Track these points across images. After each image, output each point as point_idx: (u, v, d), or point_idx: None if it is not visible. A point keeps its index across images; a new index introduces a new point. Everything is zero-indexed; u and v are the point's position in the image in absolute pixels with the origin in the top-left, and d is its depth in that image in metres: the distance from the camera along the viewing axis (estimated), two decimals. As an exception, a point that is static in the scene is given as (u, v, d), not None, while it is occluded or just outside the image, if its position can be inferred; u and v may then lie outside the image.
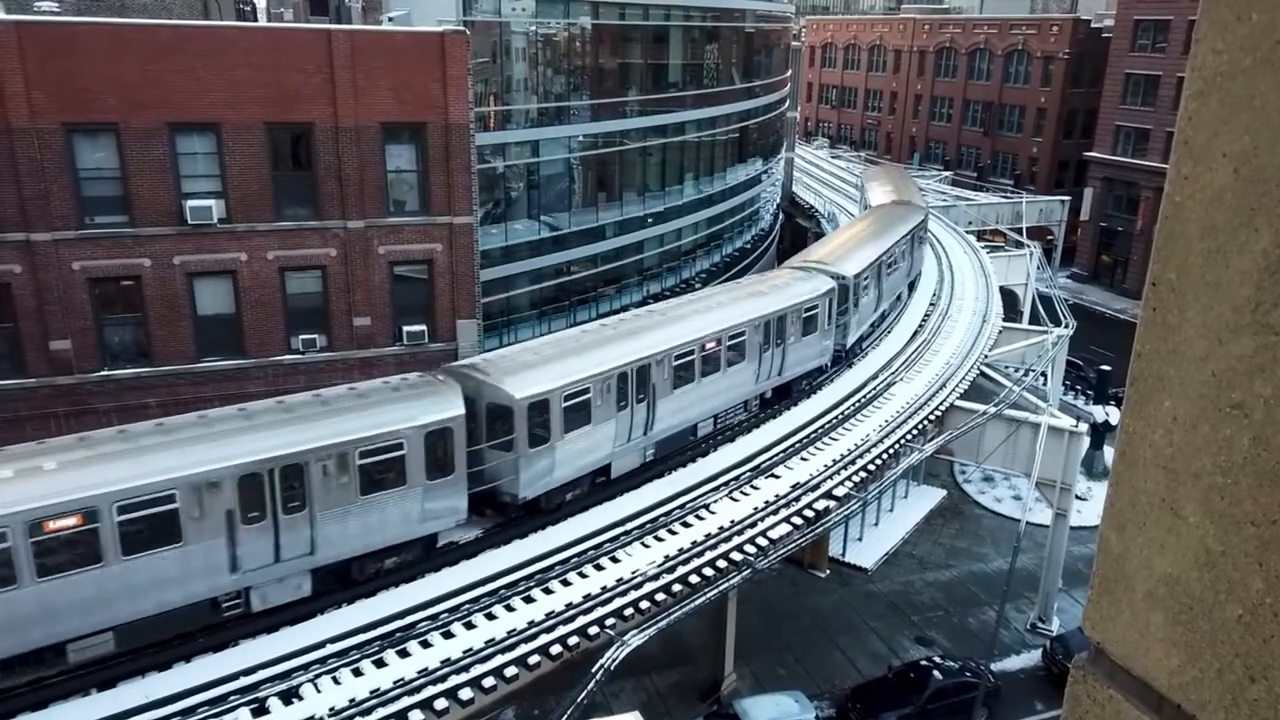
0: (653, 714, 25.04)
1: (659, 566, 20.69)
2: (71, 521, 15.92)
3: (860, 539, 35.05)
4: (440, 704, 16.68)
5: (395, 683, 16.81)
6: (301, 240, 26.82)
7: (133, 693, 16.14)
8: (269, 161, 26.03)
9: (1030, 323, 44.59)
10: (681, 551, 21.34)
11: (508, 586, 19.73)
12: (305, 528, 18.20)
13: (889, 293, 37.37)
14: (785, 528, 22.89)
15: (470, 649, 17.82)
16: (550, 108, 36.44)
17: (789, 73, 61.65)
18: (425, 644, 17.93)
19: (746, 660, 28.16)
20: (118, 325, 25.76)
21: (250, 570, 17.74)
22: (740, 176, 49.51)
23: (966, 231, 55.45)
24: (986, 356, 34.85)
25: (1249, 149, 1.39)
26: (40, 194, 23.79)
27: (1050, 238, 64.16)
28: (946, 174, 77.21)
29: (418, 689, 16.75)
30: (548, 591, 19.74)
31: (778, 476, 25.07)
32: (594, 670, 17.85)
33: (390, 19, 30.51)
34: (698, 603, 20.43)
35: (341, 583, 19.15)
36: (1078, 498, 32.74)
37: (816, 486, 24.59)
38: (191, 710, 15.83)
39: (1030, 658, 30.03)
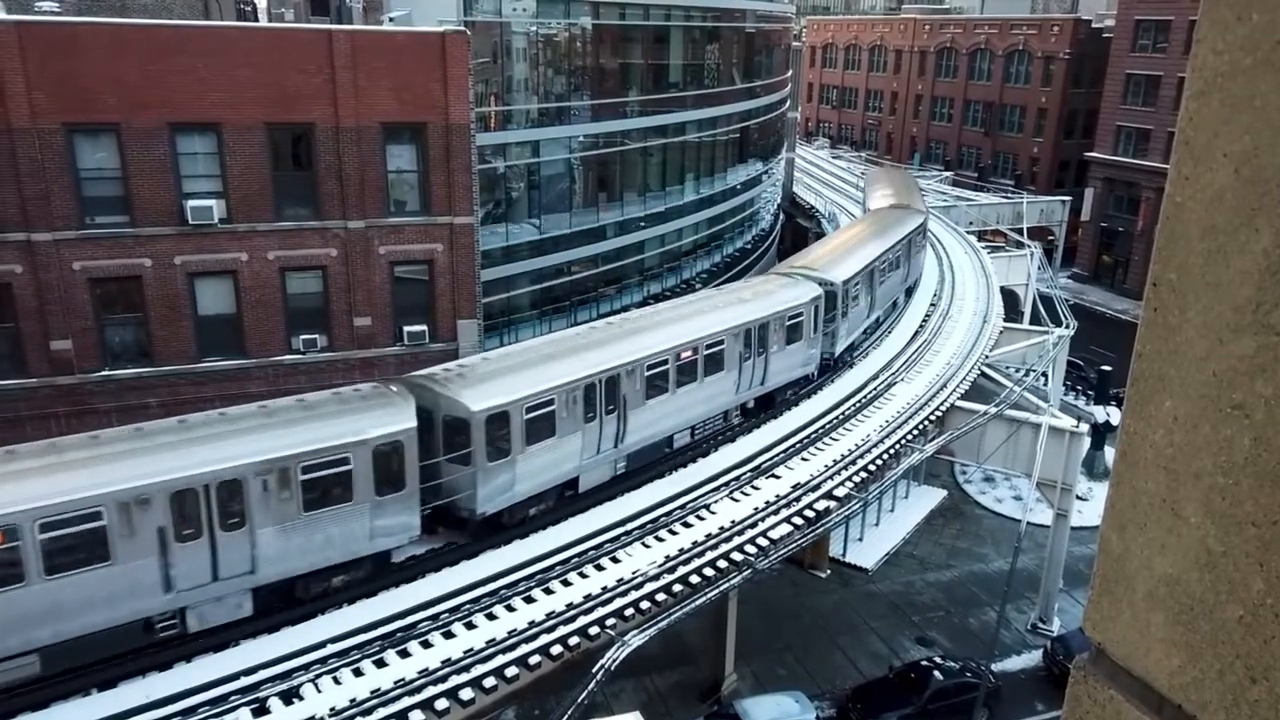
0: (653, 714, 25.04)
1: (659, 566, 20.69)
2: None
3: (861, 539, 35.05)
4: (441, 704, 16.68)
5: (396, 683, 16.82)
6: (302, 240, 26.83)
7: (133, 693, 16.14)
8: (270, 161, 26.04)
9: (1031, 323, 44.59)
10: (682, 551, 21.34)
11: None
12: (245, 546, 17.53)
13: (883, 299, 36.61)
14: (786, 528, 22.89)
15: (471, 649, 17.82)
16: (551, 108, 36.45)
17: (790, 73, 61.66)
18: (426, 644, 17.93)
19: (747, 660, 28.16)
20: (119, 325, 25.77)
21: (186, 590, 17.05)
22: (741, 177, 49.52)
23: (967, 232, 55.45)
24: (987, 357, 34.85)
25: (1249, 149, 1.39)
26: (41, 194, 23.81)
27: (1051, 238, 64.15)
28: (947, 174, 77.21)
29: (418, 689, 16.76)
30: (548, 592, 19.73)
31: (778, 477, 25.06)
32: (594, 670, 17.85)
33: (391, 19, 30.52)
34: (698, 603, 20.42)
35: (286, 602, 18.44)
36: (1078, 498, 32.73)
37: (817, 487, 24.59)
38: (192, 710, 15.83)
39: (1031, 658, 30.03)
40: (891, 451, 27.23)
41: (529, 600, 19.41)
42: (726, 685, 27.07)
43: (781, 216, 62.51)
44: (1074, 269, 70.00)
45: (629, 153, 40.25)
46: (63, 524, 15.86)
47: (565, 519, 22.20)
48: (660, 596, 20.01)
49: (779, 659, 28.99)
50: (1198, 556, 1.51)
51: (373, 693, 16.53)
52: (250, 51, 25.38)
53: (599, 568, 20.68)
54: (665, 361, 24.43)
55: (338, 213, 26.87)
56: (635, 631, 18.80)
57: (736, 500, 23.76)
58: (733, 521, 22.61)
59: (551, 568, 20.40)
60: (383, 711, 16.26)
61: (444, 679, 17.07)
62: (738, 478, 24.79)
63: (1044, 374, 37.38)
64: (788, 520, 23.10)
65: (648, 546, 21.58)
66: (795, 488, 24.32)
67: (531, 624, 18.60)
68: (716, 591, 20.96)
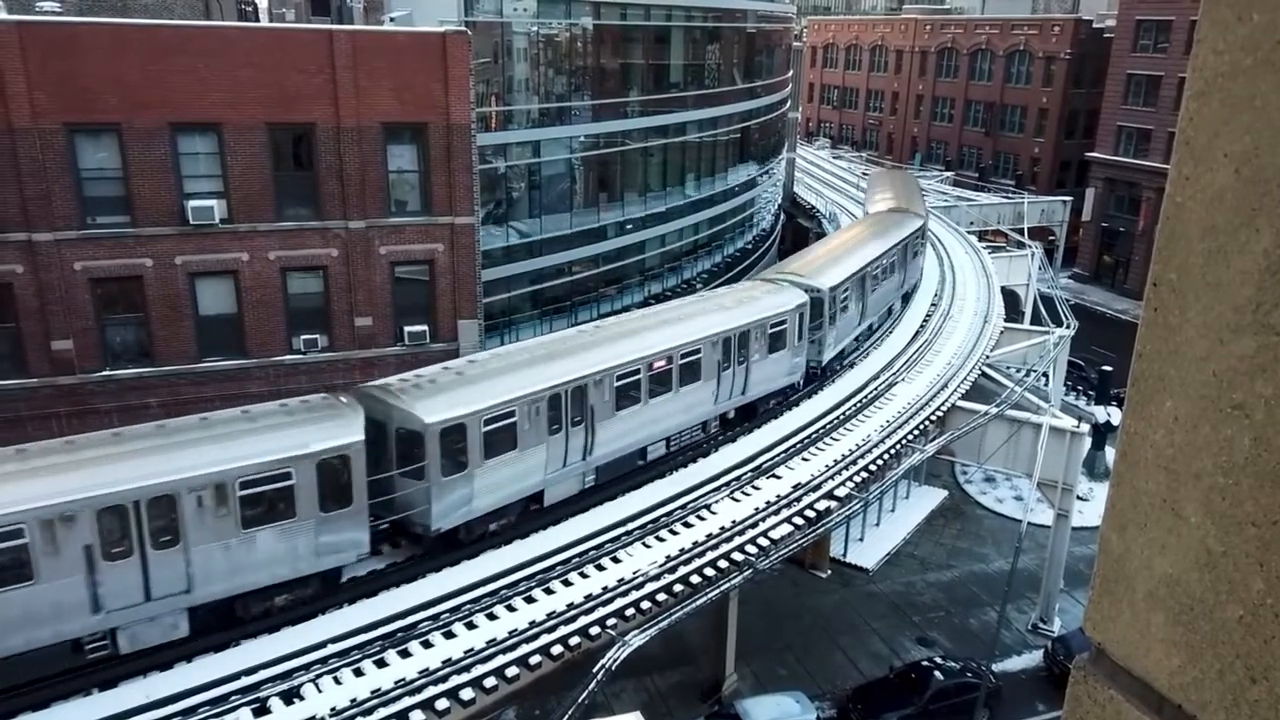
0: (654, 714, 25.04)
1: (660, 566, 20.69)
2: None
3: (861, 539, 35.05)
4: (441, 704, 16.69)
5: (396, 683, 16.82)
6: (303, 240, 26.84)
7: (134, 693, 16.14)
8: (270, 162, 26.05)
9: (1032, 323, 44.58)
10: (683, 551, 21.34)
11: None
12: (179, 564, 16.85)
13: (876, 306, 35.84)
14: (786, 528, 22.89)
15: (471, 649, 17.82)
16: (551, 108, 36.46)
17: (790, 73, 61.67)
18: (427, 644, 17.93)
19: (747, 660, 28.15)
20: (119, 325, 25.78)
21: (116, 610, 16.36)
22: (741, 177, 49.53)
23: (968, 232, 55.45)
24: (988, 357, 34.84)
25: (1250, 149, 1.39)
26: (42, 194, 23.82)
27: (1052, 238, 64.17)
28: (948, 174, 77.21)
29: (419, 689, 16.76)
30: (549, 592, 19.73)
31: (778, 477, 25.06)
32: (595, 670, 17.85)
33: (392, 19, 30.53)
34: (699, 603, 20.43)
35: (226, 622, 17.80)
36: (1079, 498, 32.72)
37: (817, 487, 24.59)
38: (193, 710, 15.84)
39: (1031, 658, 30.03)
40: (892, 452, 27.23)
41: (529, 600, 19.41)
42: (727, 685, 27.07)
43: (782, 217, 62.52)
44: (1075, 269, 69.99)
45: (629, 153, 40.25)
46: None
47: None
48: (661, 596, 20.02)
49: (780, 659, 28.99)
50: (1198, 556, 1.51)
51: (373, 693, 16.54)
52: (251, 51, 25.39)
53: (599, 568, 20.68)
54: (637, 371, 23.66)
55: (338, 213, 26.88)
56: (636, 631, 18.80)
57: (737, 500, 23.76)
58: (733, 521, 22.61)
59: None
60: (383, 711, 16.26)
61: (444, 679, 17.08)
62: (738, 478, 24.78)
63: (1045, 374, 37.37)
64: (788, 520, 23.10)
65: (648, 547, 21.58)
66: (796, 488, 24.32)
67: (532, 624, 18.60)
68: (717, 591, 20.96)
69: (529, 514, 22.19)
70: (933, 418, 29.65)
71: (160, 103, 24.43)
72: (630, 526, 22.25)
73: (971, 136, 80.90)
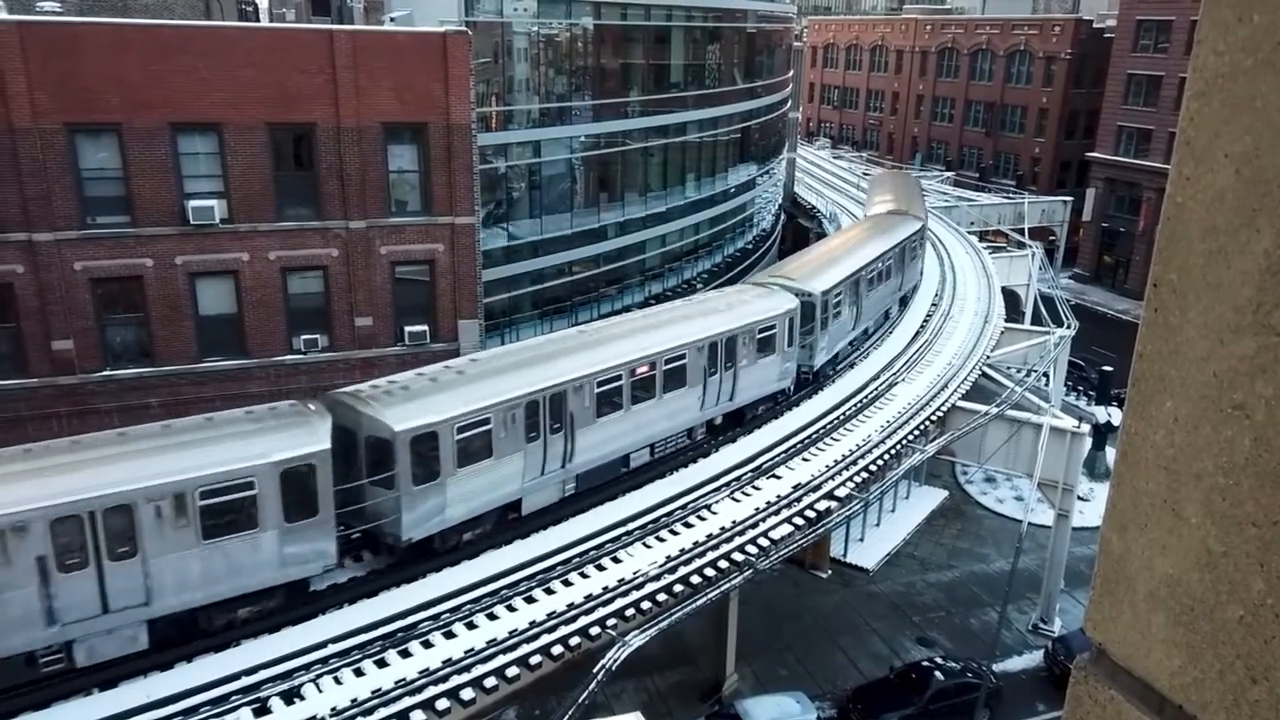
0: (654, 714, 25.04)
1: (660, 567, 20.69)
2: None
3: (862, 539, 35.05)
4: (442, 704, 16.70)
5: (397, 682, 16.83)
6: (303, 240, 26.84)
7: (134, 693, 16.14)
8: (271, 162, 26.06)
9: (1032, 323, 44.58)
10: (683, 552, 21.34)
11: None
12: (137, 575, 16.42)
13: (871, 310, 35.29)
14: (786, 528, 22.89)
15: (472, 649, 17.82)
16: (552, 108, 36.47)
17: (791, 73, 61.67)
18: (427, 644, 17.94)
19: (748, 660, 28.16)
20: (120, 325, 25.79)
21: (72, 622, 15.97)
22: (742, 177, 49.54)
23: (969, 232, 55.45)
24: (989, 357, 34.84)
25: (1250, 150, 1.39)
26: (43, 194, 23.83)
27: (1052, 238, 64.18)
28: (949, 174, 77.22)
29: (419, 689, 16.77)
30: (549, 592, 19.74)
31: (778, 477, 25.07)
32: (595, 670, 17.85)
33: (392, 19, 30.53)
34: (699, 603, 20.43)
35: (188, 634, 17.37)
36: (1079, 498, 32.72)
37: (818, 487, 24.59)
38: (193, 710, 15.84)
39: (1032, 658, 30.03)
40: (892, 452, 27.23)
41: (530, 600, 19.42)
42: (727, 685, 27.07)
43: (783, 217, 62.52)
44: (1075, 269, 69.99)
45: (630, 153, 40.26)
46: None
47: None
48: (661, 596, 20.02)
49: (780, 659, 28.99)
50: (1198, 557, 1.51)
51: (374, 692, 16.54)
52: (252, 51, 25.40)
53: (600, 568, 20.68)
54: (619, 377, 23.18)
55: (339, 213, 26.89)
56: (636, 631, 18.81)
57: (737, 500, 23.76)
58: (734, 522, 22.61)
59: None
60: (384, 711, 16.27)
61: (445, 679, 17.09)
62: (738, 478, 24.78)
63: (1045, 374, 37.37)
64: (789, 520, 23.11)
65: (648, 547, 21.58)
66: (796, 488, 24.33)
67: (532, 624, 18.60)
68: (717, 591, 20.96)
69: (506, 523, 21.69)
70: (933, 418, 29.65)
71: (161, 103, 24.44)
72: (630, 527, 22.22)
73: (972, 136, 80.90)
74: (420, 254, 28.21)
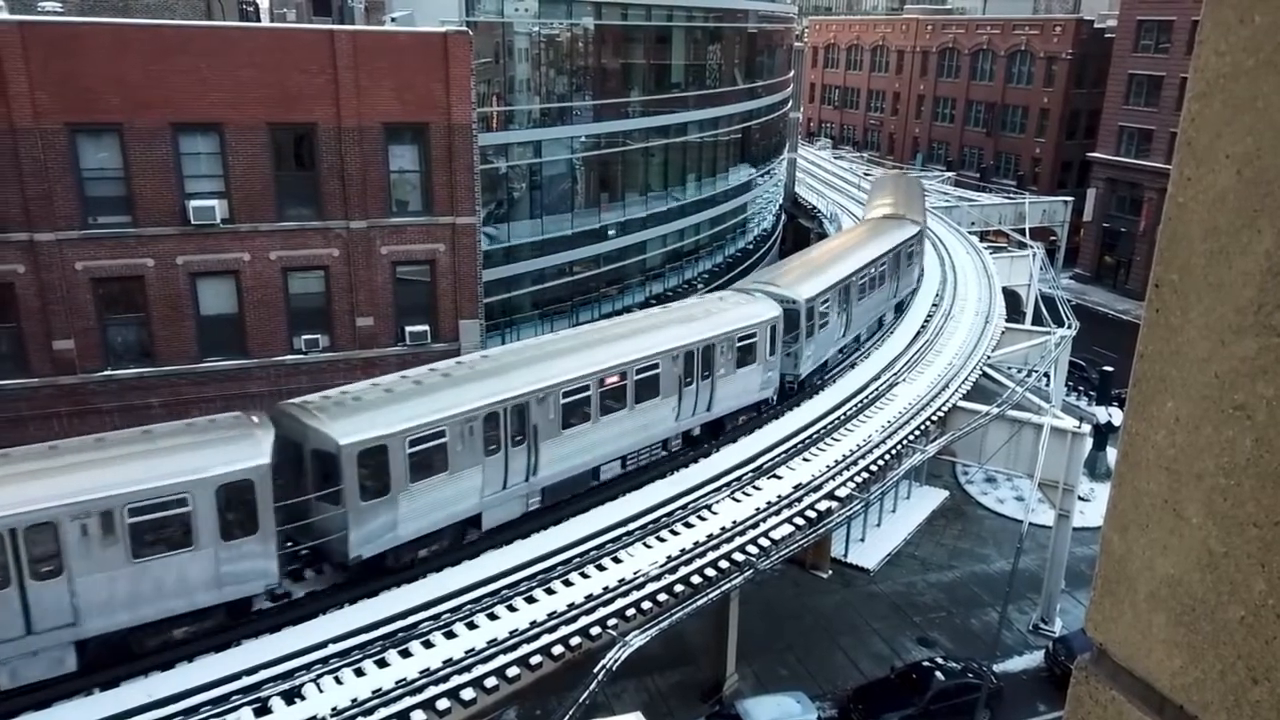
0: (655, 714, 25.04)
1: (661, 567, 20.70)
2: None
3: (862, 540, 35.05)
4: (442, 704, 16.70)
5: (397, 682, 16.83)
6: (304, 240, 26.85)
7: (135, 693, 16.15)
8: (272, 162, 26.07)
9: (1033, 323, 44.57)
10: (683, 552, 21.34)
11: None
12: (63, 596, 15.82)
13: (863, 317, 34.47)
14: (787, 528, 22.90)
15: (472, 649, 17.83)
16: (553, 108, 36.48)
17: (792, 73, 61.67)
18: (428, 644, 17.94)
19: (748, 661, 28.16)
20: (121, 325, 25.80)
21: None
22: (743, 177, 49.54)
23: (970, 232, 55.44)
24: (989, 357, 34.84)
25: (1252, 150, 1.39)
26: (44, 194, 23.84)
27: (1053, 238, 64.16)
28: (949, 175, 77.22)
29: (420, 689, 16.78)
30: (550, 592, 19.74)
31: (779, 477, 25.07)
32: (596, 670, 17.86)
33: (393, 19, 30.54)
34: (700, 603, 20.43)
35: (119, 656, 16.74)
36: (1080, 499, 32.72)
37: (818, 487, 24.59)
38: (194, 710, 15.85)
39: (1033, 659, 30.02)
40: (893, 452, 27.23)
41: (530, 600, 19.42)
42: (728, 685, 27.07)
43: (783, 217, 62.52)
44: (1076, 269, 69.97)
45: (631, 153, 40.28)
46: None
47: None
48: (662, 596, 20.03)
49: (780, 659, 28.99)
50: (1199, 557, 1.51)
51: (374, 692, 16.55)
52: (253, 51, 25.41)
53: (600, 568, 20.68)
54: (586, 388, 22.43)
55: (340, 213, 26.90)
56: (637, 631, 18.81)
57: (738, 500, 23.76)
58: (734, 522, 22.61)
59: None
60: (384, 711, 16.28)
61: (445, 679, 17.09)
62: (739, 478, 24.77)
63: (1046, 375, 37.37)
64: (789, 520, 23.11)
65: (649, 547, 21.59)
66: (797, 488, 24.33)
67: (533, 624, 18.60)
68: (718, 591, 20.97)
69: (464, 538, 21.01)
70: (934, 418, 29.64)
71: (162, 103, 24.45)
72: (631, 527, 22.20)
73: (973, 137, 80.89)
74: (421, 254, 28.23)
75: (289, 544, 18.46)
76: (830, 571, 33.52)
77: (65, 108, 23.63)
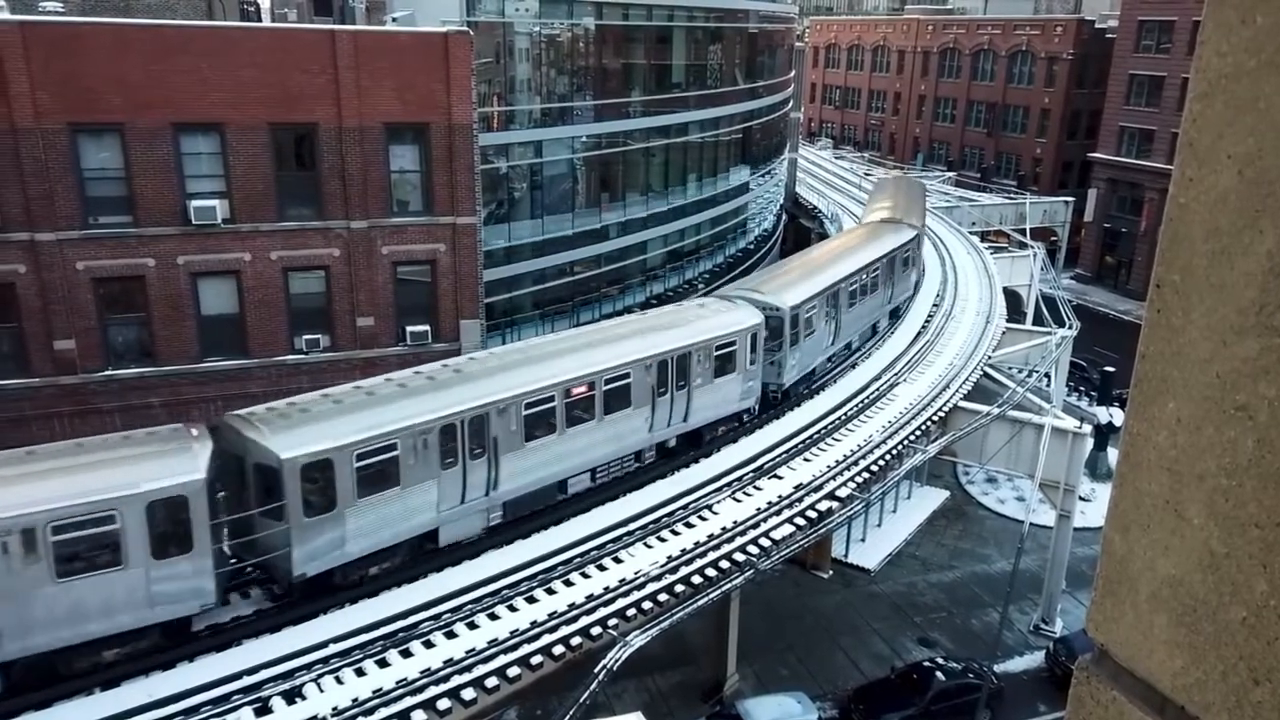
0: (655, 714, 25.03)
1: (661, 567, 20.70)
2: None
3: (863, 540, 35.04)
4: (443, 704, 16.70)
5: (398, 682, 16.83)
6: (305, 240, 26.86)
7: (135, 692, 16.14)
8: (273, 162, 26.08)
9: (1034, 324, 44.54)
10: (684, 552, 21.34)
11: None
12: None
13: (854, 324, 33.63)
14: (788, 528, 22.89)
15: (473, 649, 17.83)
16: (553, 108, 36.48)
17: (792, 73, 61.67)
18: (428, 644, 17.94)
19: (749, 661, 28.15)
20: (121, 325, 25.82)
21: None
22: (743, 177, 49.53)
23: (970, 232, 55.43)
24: (990, 357, 34.83)
25: (1254, 151, 1.39)
26: (45, 194, 23.85)
27: (1054, 239, 64.15)
28: (950, 175, 77.22)
29: (420, 689, 16.78)
30: (550, 592, 19.74)
31: (780, 477, 25.06)
32: (596, 670, 17.86)
33: (394, 19, 30.55)
34: (700, 603, 20.43)
35: (46, 678, 16.12)
36: (1081, 499, 32.71)
37: (819, 487, 24.58)
38: (194, 710, 15.85)
39: (1033, 659, 30.01)
40: (893, 452, 27.23)
41: (531, 600, 19.43)
42: (728, 685, 27.07)
43: (784, 217, 62.52)
44: (1077, 270, 69.95)
45: (631, 153, 40.28)
46: None
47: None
48: (662, 596, 20.03)
49: (781, 659, 28.98)
50: (1201, 558, 1.51)
51: (375, 692, 16.55)
52: (254, 51, 25.42)
53: (601, 568, 20.68)
54: (551, 398, 21.65)
55: (340, 213, 26.91)
56: (637, 631, 18.81)
57: (738, 500, 23.76)
58: (735, 522, 22.60)
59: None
60: (385, 711, 16.28)
61: (446, 679, 17.09)
62: (739, 478, 24.76)
63: (1047, 375, 37.35)
64: (790, 521, 23.11)
65: (649, 547, 21.59)
66: (797, 488, 24.33)
67: (534, 624, 18.61)
68: (719, 592, 20.97)
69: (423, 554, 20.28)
70: (935, 418, 29.64)
71: (163, 103, 24.46)
72: (632, 527, 22.17)
73: (974, 137, 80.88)
74: (422, 254, 28.23)
75: (233, 561, 18.03)
76: (831, 572, 33.51)
77: (66, 108, 23.65)
